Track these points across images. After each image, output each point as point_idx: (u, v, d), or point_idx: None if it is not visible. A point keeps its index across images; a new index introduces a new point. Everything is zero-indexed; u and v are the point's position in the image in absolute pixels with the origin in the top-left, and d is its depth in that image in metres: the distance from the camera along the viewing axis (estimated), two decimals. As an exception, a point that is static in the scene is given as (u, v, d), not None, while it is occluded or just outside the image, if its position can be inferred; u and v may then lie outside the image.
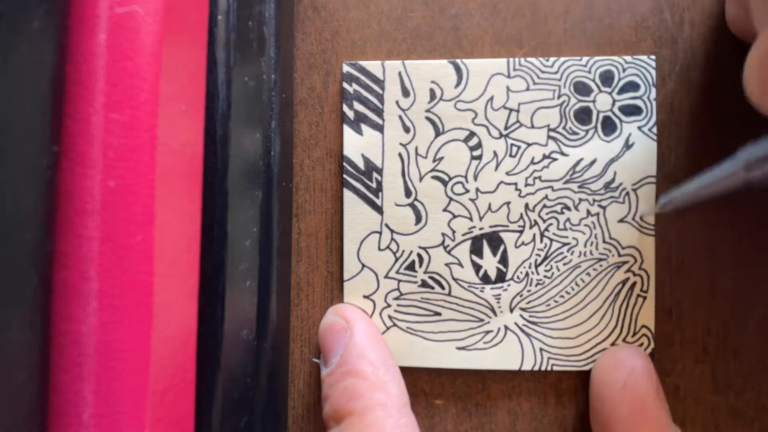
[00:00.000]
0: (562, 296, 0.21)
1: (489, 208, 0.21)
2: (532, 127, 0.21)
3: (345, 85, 0.21)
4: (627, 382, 0.18)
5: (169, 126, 0.14)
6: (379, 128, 0.21)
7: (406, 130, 0.21)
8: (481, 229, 0.21)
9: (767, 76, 0.16)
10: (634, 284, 0.20)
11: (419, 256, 0.21)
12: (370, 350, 0.19)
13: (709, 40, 0.21)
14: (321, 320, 0.21)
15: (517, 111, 0.21)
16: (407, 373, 0.21)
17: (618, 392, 0.18)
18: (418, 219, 0.21)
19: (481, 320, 0.21)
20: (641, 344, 0.20)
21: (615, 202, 0.20)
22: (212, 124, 0.17)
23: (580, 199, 0.21)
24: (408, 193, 0.21)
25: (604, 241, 0.20)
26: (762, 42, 0.16)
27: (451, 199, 0.21)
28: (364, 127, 0.21)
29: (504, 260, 0.21)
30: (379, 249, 0.21)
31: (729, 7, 0.19)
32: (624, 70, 0.20)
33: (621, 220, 0.20)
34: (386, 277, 0.21)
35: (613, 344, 0.20)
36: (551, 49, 0.21)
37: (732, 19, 0.19)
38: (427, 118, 0.21)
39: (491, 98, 0.21)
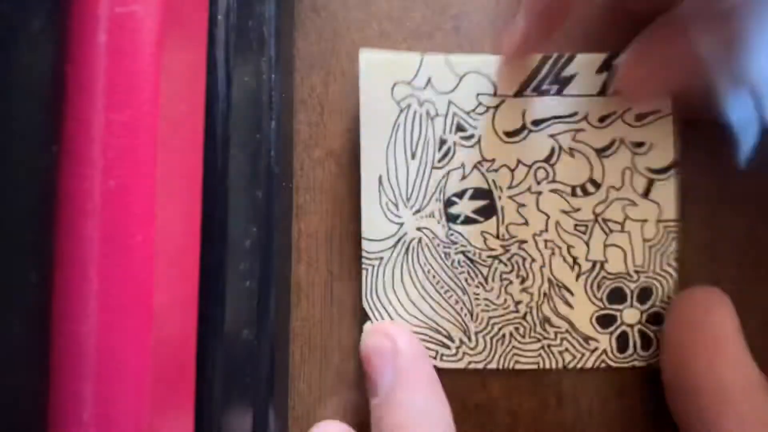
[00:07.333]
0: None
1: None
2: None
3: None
4: (704, 320, 0.18)
5: (169, 126, 0.14)
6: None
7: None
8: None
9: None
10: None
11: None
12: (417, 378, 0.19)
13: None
14: (361, 337, 0.20)
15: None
16: (407, 373, 0.21)
17: (693, 332, 0.18)
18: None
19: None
20: None
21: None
22: (212, 124, 0.17)
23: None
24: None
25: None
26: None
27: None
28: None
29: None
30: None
31: None
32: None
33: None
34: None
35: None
36: (551, 49, 0.21)
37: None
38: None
39: None
